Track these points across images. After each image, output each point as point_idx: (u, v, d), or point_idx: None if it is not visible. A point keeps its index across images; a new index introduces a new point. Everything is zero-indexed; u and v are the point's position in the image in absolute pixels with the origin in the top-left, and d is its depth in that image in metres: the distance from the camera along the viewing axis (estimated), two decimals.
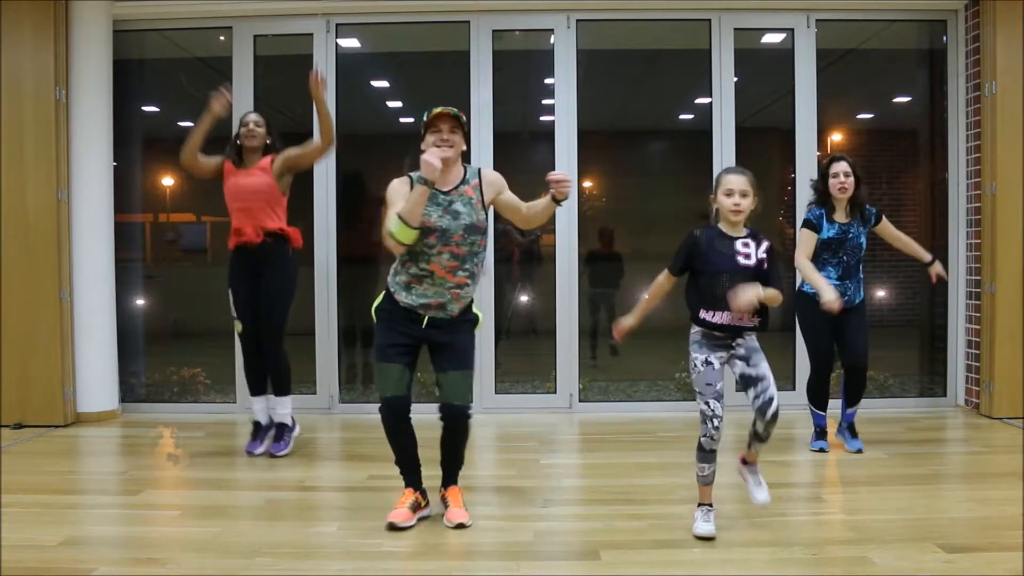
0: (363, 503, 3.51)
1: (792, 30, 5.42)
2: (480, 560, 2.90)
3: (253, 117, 4.38)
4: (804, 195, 5.41)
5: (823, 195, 4.24)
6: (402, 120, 7.42)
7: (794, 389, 5.43)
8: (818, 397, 4.39)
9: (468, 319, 3.27)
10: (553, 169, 5.42)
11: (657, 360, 5.97)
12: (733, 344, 3.05)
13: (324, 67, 5.39)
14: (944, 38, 5.50)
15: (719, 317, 2.98)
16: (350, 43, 5.64)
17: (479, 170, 3.26)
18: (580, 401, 5.48)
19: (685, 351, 3.14)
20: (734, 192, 2.96)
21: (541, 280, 6.32)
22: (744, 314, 2.94)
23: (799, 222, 5.41)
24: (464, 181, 3.19)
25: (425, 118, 3.14)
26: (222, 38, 5.53)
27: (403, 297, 3.18)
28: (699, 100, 5.76)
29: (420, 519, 3.25)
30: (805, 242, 4.22)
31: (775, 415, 2.99)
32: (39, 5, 4.92)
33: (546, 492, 3.66)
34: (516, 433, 4.90)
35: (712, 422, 3.03)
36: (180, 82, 6.03)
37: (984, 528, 3.09)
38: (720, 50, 5.39)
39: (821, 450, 4.31)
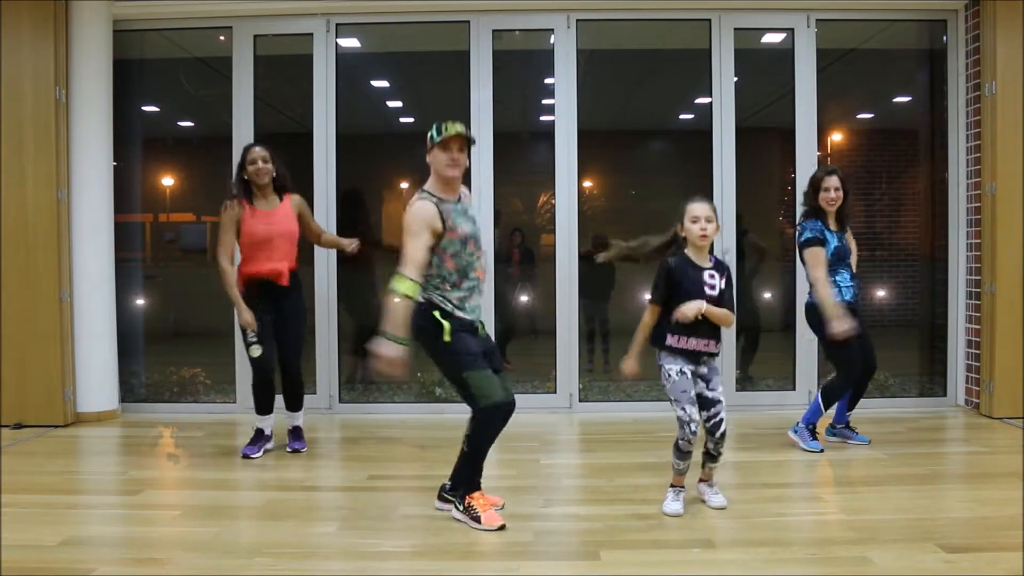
0: (363, 503, 3.51)
1: (792, 30, 5.42)
2: (480, 560, 2.90)
3: (259, 152, 4.21)
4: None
5: (815, 207, 4.31)
6: (402, 120, 7.43)
7: (794, 389, 5.44)
8: (837, 399, 4.38)
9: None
10: (553, 168, 5.44)
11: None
12: (700, 361, 3.29)
13: (324, 67, 5.40)
14: (944, 38, 5.50)
15: (690, 343, 3.24)
16: (350, 43, 5.64)
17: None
18: (580, 401, 5.48)
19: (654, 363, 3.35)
20: (699, 219, 3.22)
21: (541, 280, 6.32)
22: (710, 341, 3.25)
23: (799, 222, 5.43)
24: (461, 195, 3.32)
25: (437, 133, 3.15)
26: (222, 38, 5.53)
27: (463, 315, 3.20)
28: (699, 100, 5.75)
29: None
30: (820, 259, 4.21)
31: (724, 435, 3.29)
32: (39, 5, 4.92)
33: (546, 492, 3.66)
34: (516, 433, 4.89)
35: (689, 427, 3.23)
36: (180, 82, 6.04)
37: (984, 528, 3.09)
38: (720, 50, 5.39)
39: (821, 451, 4.32)
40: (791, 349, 5.47)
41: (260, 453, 4.33)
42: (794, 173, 5.46)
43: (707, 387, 3.28)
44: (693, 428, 3.21)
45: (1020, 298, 5.00)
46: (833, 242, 4.26)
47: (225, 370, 5.47)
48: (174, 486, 3.91)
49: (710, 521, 3.24)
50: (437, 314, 3.15)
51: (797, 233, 4.40)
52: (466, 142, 3.18)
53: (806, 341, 5.40)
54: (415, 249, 3.07)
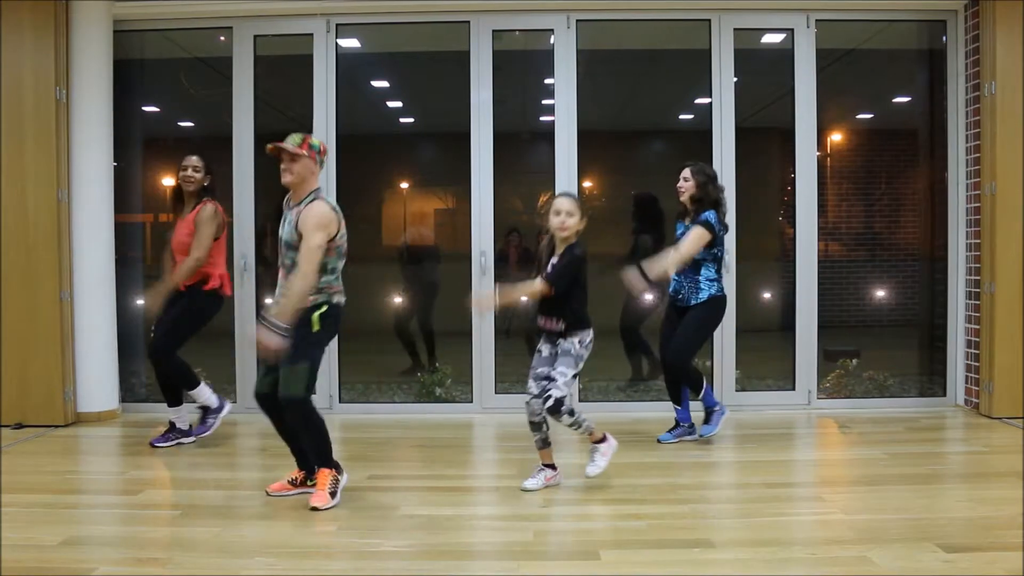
0: (363, 503, 3.51)
1: (792, 30, 5.42)
2: (480, 560, 2.90)
3: (191, 160, 4.48)
4: (804, 195, 5.42)
5: (716, 202, 4.42)
6: (402, 120, 7.43)
7: (793, 389, 5.44)
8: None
9: (302, 319, 3.41)
10: (553, 168, 5.44)
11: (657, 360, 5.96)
12: (554, 342, 3.61)
13: (324, 67, 5.41)
14: (944, 38, 5.50)
15: (541, 321, 3.61)
16: (350, 43, 5.64)
17: (313, 202, 3.45)
18: (580, 401, 5.47)
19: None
20: (561, 212, 3.50)
21: None
22: (548, 319, 3.57)
23: (799, 222, 5.44)
24: (299, 203, 3.46)
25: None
26: (222, 38, 5.53)
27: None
28: (699, 100, 5.76)
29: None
30: (700, 241, 4.33)
31: (550, 409, 3.51)
32: (39, 5, 4.92)
33: (546, 492, 3.66)
34: (516, 433, 4.89)
35: (527, 400, 3.60)
36: (180, 82, 6.04)
37: (984, 528, 3.09)
38: (720, 50, 5.39)
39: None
40: (791, 349, 5.47)
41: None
42: (794, 173, 5.46)
43: (551, 366, 3.58)
44: (527, 399, 3.59)
45: (1020, 298, 5.00)
46: (678, 231, 4.52)
47: (225, 370, 5.47)
48: (174, 486, 3.91)
49: (710, 521, 3.24)
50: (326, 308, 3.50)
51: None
52: (288, 152, 3.42)
53: (805, 341, 5.41)
54: None
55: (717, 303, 4.43)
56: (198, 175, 4.47)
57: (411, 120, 7.48)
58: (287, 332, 3.28)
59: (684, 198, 4.46)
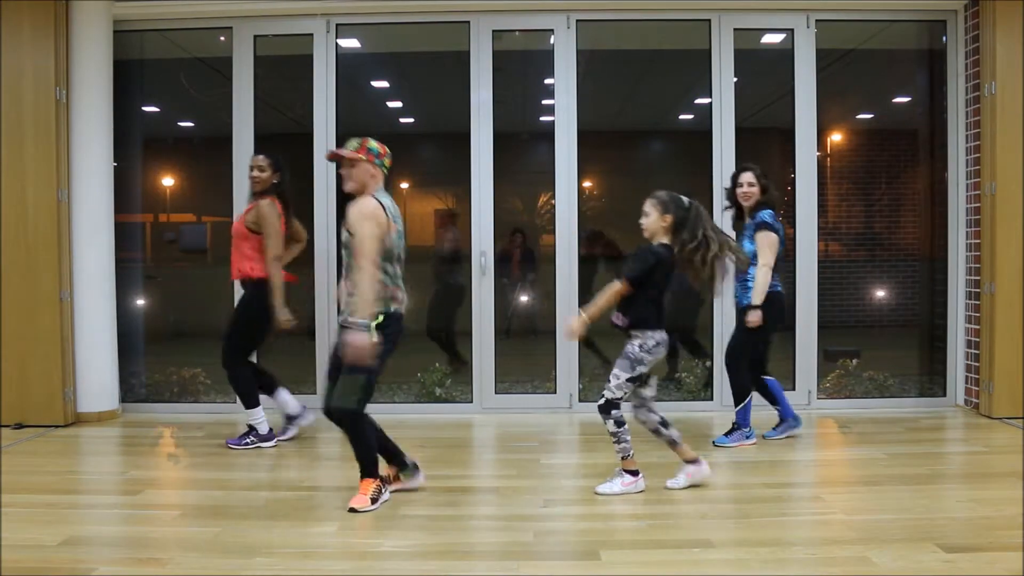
0: None
1: (792, 30, 5.42)
2: (480, 560, 2.90)
3: (256, 160, 4.44)
4: (804, 195, 5.42)
5: (773, 201, 4.41)
6: (402, 120, 7.43)
7: (793, 389, 5.44)
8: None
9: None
10: (553, 168, 5.44)
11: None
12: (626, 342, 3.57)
13: (324, 67, 5.41)
14: (944, 38, 5.50)
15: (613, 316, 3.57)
16: (350, 43, 5.64)
17: (359, 199, 3.42)
18: (580, 401, 5.47)
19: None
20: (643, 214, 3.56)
21: (541, 280, 6.32)
22: (616, 313, 3.53)
23: (799, 222, 5.44)
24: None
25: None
26: (222, 38, 5.53)
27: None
28: (699, 100, 5.76)
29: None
30: (774, 243, 4.33)
31: (600, 407, 3.56)
32: (39, 5, 4.92)
33: (546, 492, 3.67)
34: (516, 433, 4.90)
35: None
36: (180, 82, 6.04)
37: (984, 528, 3.10)
38: (720, 50, 5.39)
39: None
40: (791, 349, 5.47)
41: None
42: (794, 173, 5.46)
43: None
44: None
45: (1020, 298, 5.00)
46: (747, 243, 4.41)
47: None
48: (174, 486, 3.91)
49: (710, 521, 3.24)
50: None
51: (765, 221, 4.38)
52: (345, 158, 3.40)
53: (805, 341, 5.41)
54: None
55: (767, 300, 4.33)
56: (264, 175, 4.39)
57: (411, 120, 7.48)
58: (368, 327, 3.21)
59: (750, 203, 4.38)
